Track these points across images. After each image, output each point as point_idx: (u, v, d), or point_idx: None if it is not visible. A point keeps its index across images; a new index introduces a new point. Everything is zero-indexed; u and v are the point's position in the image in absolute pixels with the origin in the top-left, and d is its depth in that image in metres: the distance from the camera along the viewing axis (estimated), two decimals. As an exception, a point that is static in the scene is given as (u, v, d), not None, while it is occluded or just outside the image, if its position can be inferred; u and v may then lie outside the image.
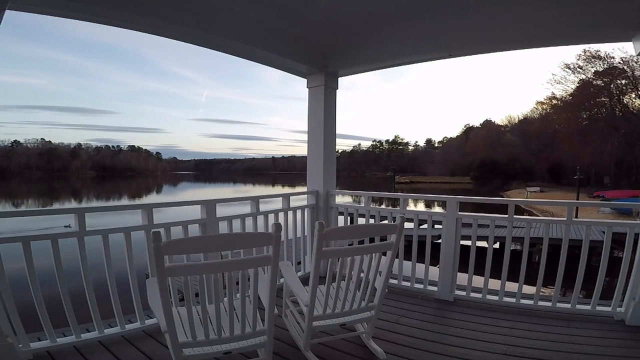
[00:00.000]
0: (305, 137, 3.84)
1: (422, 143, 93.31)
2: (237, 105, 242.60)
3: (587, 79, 34.98)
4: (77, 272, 2.22)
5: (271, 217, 3.20)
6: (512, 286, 2.92)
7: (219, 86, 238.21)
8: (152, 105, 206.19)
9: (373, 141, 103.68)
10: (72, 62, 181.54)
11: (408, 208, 3.43)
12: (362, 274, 2.04)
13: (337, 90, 3.84)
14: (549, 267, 2.75)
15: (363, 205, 3.56)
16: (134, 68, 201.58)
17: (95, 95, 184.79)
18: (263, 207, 3.14)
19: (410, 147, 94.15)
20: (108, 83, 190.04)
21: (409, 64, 3.46)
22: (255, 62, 3.35)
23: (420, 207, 18.20)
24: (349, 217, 4.34)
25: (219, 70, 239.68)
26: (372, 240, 2.26)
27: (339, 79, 3.82)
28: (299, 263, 3.73)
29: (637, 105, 33.16)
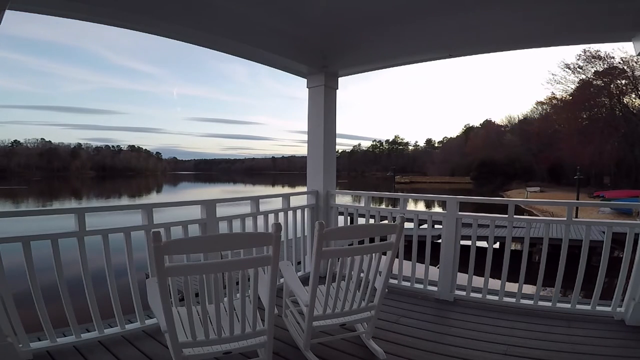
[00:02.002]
0: (305, 137, 3.84)
1: (422, 143, 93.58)
2: (213, 103, 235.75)
3: (587, 79, 35.00)
4: (77, 272, 2.22)
5: (271, 217, 3.20)
6: (512, 286, 2.92)
7: (185, 83, 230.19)
8: (125, 104, 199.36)
9: (373, 141, 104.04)
10: (24, 60, 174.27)
11: (408, 208, 3.43)
12: (362, 274, 2.04)
13: (337, 90, 3.84)
14: (549, 267, 2.75)
15: (363, 205, 3.56)
16: (90, 65, 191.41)
17: (61, 94, 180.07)
18: (263, 207, 3.14)
19: (410, 147, 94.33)
20: (69, 82, 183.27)
21: (409, 64, 3.46)
22: (255, 62, 3.35)
23: (420, 207, 18.21)
24: (349, 217, 4.34)
25: (179, 65, 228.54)
26: (372, 240, 2.26)
27: (339, 79, 3.83)
28: (299, 263, 3.73)
29: (637, 105, 33.15)
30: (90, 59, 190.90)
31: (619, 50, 30.89)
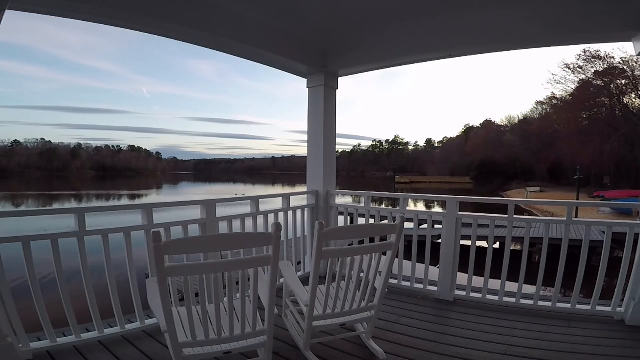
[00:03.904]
0: (305, 137, 3.84)
1: (422, 143, 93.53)
2: (191, 102, 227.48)
3: (587, 79, 34.99)
4: (77, 272, 2.22)
5: (271, 217, 3.20)
6: (512, 286, 2.92)
7: (151, 81, 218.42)
8: (97, 102, 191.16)
9: (373, 141, 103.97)
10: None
11: (408, 208, 3.43)
12: (362, 274, 2.04)
13: (337, 90, 3.85)
14: (549, 267, 2.75)
15: (363, 205, 3.56)
16: (49, 64, 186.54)
17: (27, 94, 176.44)
18: (263, 207, 3.13)
19: (410, 147, 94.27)
20: (33, 81, 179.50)
21: (409, 63, 3.46)
22: (256, 62, 3.35)
23: (420, 207, 18.20)
24: (349, 217, 4.34)
25: (138, 62, 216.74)
26: (372, 240, 2.26)
27: (339, 78, 3.83)
28: (299, 263, 3.73)
29: (637, 105, 33.14)
30: (46, 57, 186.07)
31: (619, 50, 30.93)
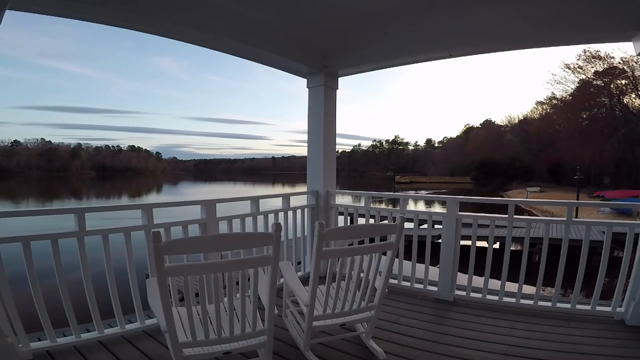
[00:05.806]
0: (305, 137, 3.84)
1: (422, 143, 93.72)
2: (168, 99, 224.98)
3: (587, 79, 35.06)
4: (77, 272, 2.22)
5: (271, 217, 3.20)
6: (512, 286, 2.92)
7: (120, 80, 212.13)
8: (71, 101, 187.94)
9: (373, 141, 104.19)
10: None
11: (408, 208, 3.43)
12: (362, 274, 2.04)
13: (337, 90, 3.85)
14: (549, 267, 2.75)
15: (363, 205, 3.56)
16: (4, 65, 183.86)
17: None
18: (263, 207, 3.13)
19: (410, 147, 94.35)
20: None
21: (409, 64, 3.46)
22: (256, 61, 3.35)
23: (420, 207, 18.21)
24: (349, 217, 4.34)
25: (102, 60, 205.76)
26: (372, 240, 2.26)
27: (339, 79, 3.83)
28: (299, 263, 3.73)
29: (637, 105, 33.20)
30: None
31: (619, 50, 31.01)
